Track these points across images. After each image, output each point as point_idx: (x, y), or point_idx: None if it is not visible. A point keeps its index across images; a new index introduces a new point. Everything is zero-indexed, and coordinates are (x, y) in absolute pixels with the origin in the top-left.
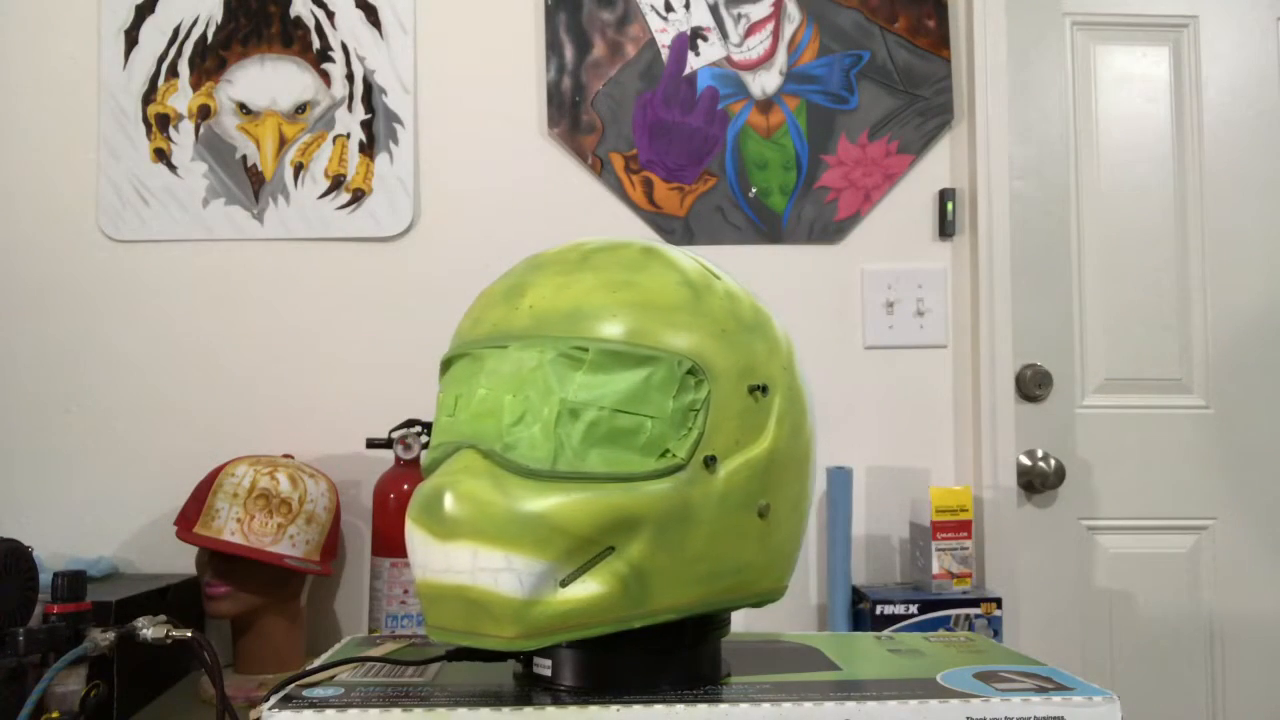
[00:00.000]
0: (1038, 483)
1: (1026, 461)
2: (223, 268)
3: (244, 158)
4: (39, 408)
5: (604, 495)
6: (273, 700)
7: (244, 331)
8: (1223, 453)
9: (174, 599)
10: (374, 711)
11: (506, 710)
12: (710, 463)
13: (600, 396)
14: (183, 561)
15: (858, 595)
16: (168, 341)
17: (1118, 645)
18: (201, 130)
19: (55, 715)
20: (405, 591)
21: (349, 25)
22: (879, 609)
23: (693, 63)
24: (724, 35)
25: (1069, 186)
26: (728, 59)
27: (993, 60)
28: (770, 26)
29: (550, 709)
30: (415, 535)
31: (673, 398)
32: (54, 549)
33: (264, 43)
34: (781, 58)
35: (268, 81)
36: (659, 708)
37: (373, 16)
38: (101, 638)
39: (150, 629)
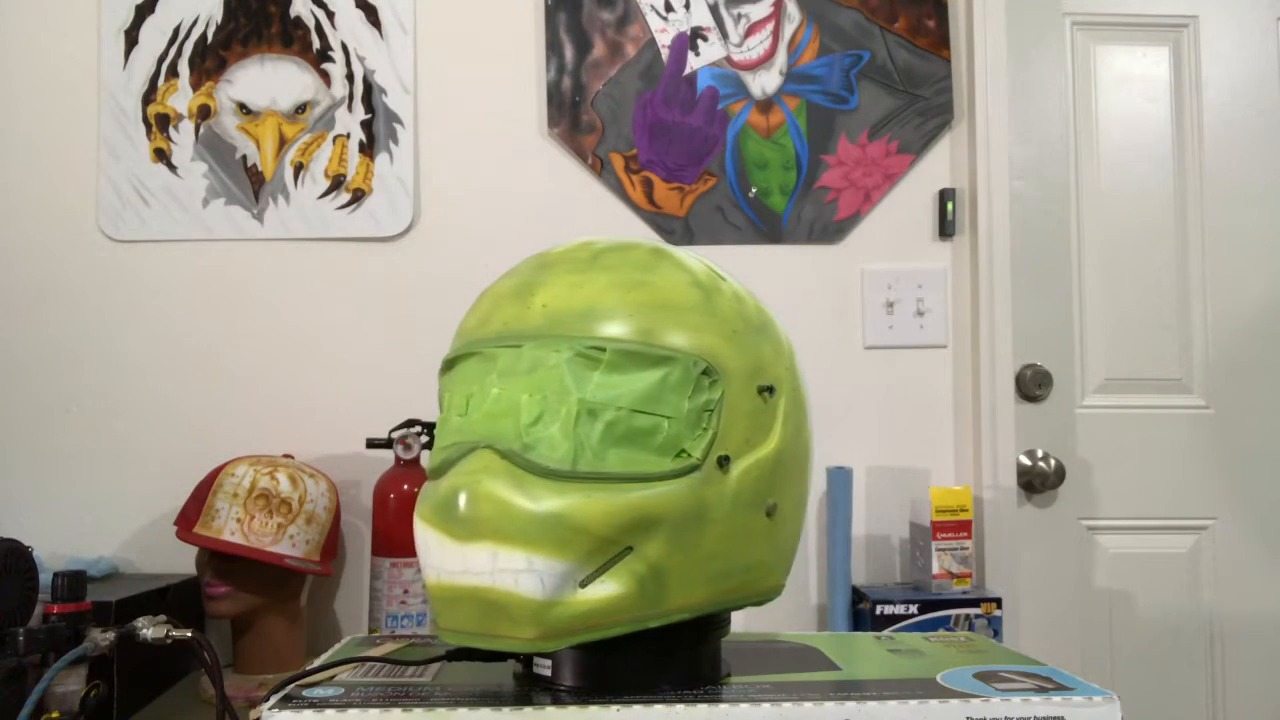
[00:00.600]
0: (1038, 483)
1: (1026, 461)
2: (223, 268)
3: (244, 158)
4: (39, 408)
5: (623, 495)
6: (273, 700)
7: (244, 331)
8: (1222, 453)
9: (174, 599)
10: (374, 711)
11: (506, 710)
12: (724, 463)
13: (618, 396)
14: (183, 561)
15: (858, 595)
16: (168, 341)
17: (1118, 645)
18: (201, 130)
19: (55, 715)
20: (405, 591)
21: (349, 25)
22: (879, 609)
23: (693, 63)
24: (724, 35)
25: (1069, 186)
26: (728, 59)
27: (993, 60)
28: (770, 26)
29: (550, 709)
30: (429, 536)
31: (688, 398)
32: (54, 549)
33: (264, 43)
34: (781, 58)
35: (268, 81)
36: (659, 708)
37: (373, 16)
38: (101, 638)
39: (150, 629)
